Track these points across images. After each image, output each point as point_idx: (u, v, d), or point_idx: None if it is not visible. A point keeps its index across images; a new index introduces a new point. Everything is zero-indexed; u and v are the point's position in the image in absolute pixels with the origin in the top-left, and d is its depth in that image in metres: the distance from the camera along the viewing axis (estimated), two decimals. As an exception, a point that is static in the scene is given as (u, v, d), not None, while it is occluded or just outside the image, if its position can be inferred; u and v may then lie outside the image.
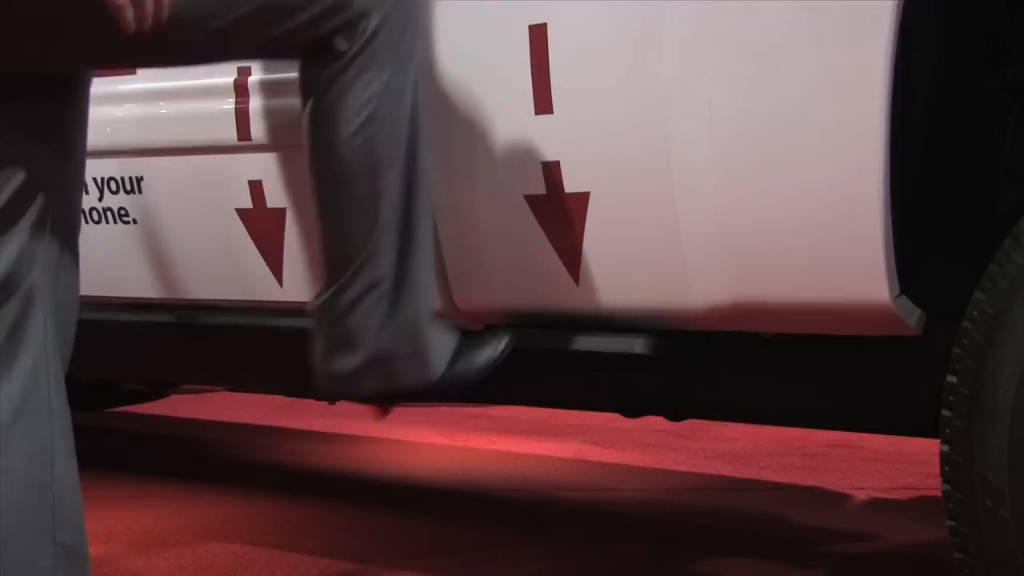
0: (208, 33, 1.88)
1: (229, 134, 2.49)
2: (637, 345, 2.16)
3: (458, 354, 2.17)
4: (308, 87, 2.04)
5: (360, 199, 2.05)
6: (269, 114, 2.45)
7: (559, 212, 2.14)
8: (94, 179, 2.70)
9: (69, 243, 1.91)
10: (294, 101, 2.41)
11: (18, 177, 1.83)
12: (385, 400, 2.22)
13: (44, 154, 1.86)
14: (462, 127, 2.22)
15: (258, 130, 2.45)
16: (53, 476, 1.84)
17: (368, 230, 2.06)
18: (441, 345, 2.15)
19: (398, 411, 2.30)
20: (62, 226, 1.89)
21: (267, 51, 2.10)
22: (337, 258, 2.09)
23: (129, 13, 1.69)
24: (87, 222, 2.74)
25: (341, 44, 1.97)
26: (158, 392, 4.73)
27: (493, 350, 2.19)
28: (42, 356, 1.85)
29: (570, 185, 2.12)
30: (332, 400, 3.11)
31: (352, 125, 2.01)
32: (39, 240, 1.85)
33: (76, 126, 1.95)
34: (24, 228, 1.84)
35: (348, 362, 2.11)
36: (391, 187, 2.05)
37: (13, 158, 1.83)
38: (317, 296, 2.13)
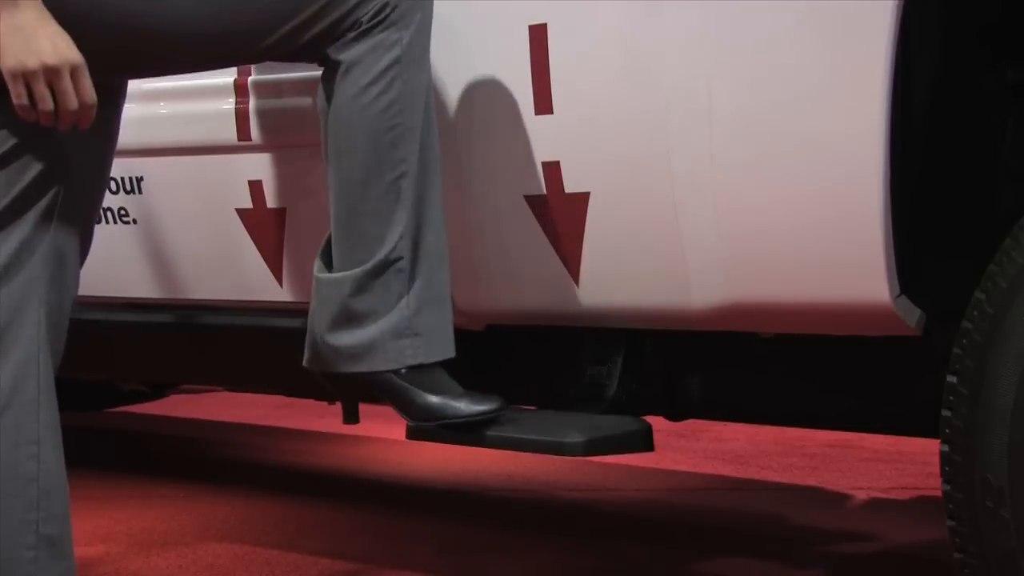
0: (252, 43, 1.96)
1: (229, 134, 2.49)
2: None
3: (451, 390, 2.12)
4: (327, 58, 2.01)
5: (381, 172, 2.02)
6: (269, 114, 2.45)
7: (559, 212, 2.14)
8: (94, 179, 2.70)
9: (76, 237, 1.92)
10: (294, 101, 2.42)
11: (36, 166, 1.85)
12: (376, 387, 2.12)
13: (72, 146, 1.88)
14: (462, 127, 2.21)
15: (258, 130, 2.45)
16: (39, 468, 1.85)
17: (391, 206, 2.02)
18: (449, 331, 2.10)
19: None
20: (72, 220, 1.90)
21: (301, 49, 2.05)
22: (357, 234, 2.04)
23: (40, 118, 1.75)
24: (87, 222, 2.74)
25: (360, 13, 1.96)
26: (158, 392, 4.74)
27: (483, 407, 2.12)
28: (34, 349, 1.86)
29: (570, 185, 2.12)
30: (332, 401, 3.11)
31: (374, 90, 2.00)
32: (44, 232, 1.86)
33: (111, 125, 1.97)
34: (31, 219, 1.85)
35: (357, 336, 2.06)
36: (410, 158, 2.03)
37: (37, 146, 1.85)
38: (329, 270, 2.08)
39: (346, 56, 1.98)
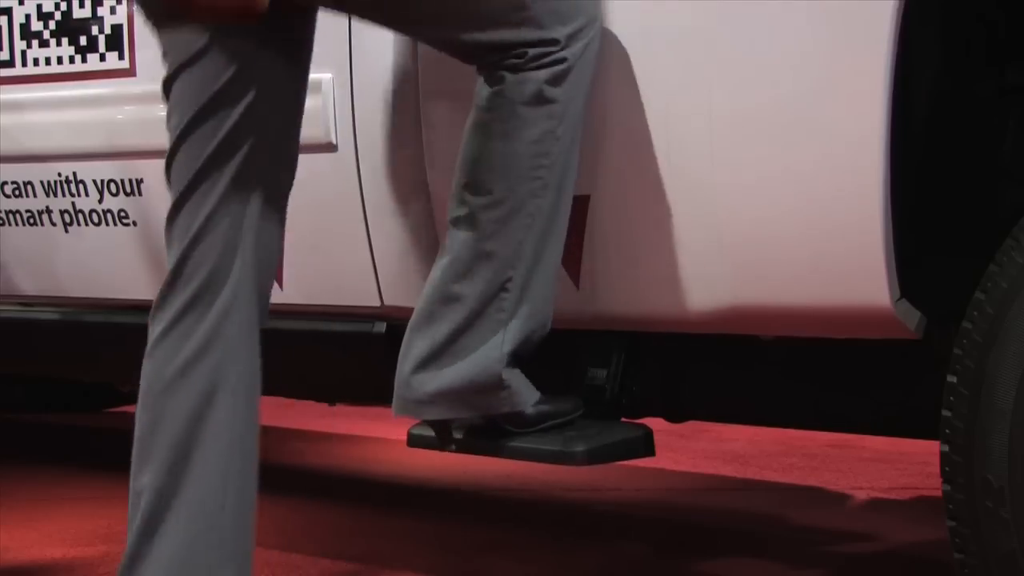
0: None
1: (229, 136, 2.48)
2: None
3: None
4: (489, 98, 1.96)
5: (517, 203, 1.96)
6: (269, 115, 2.44)
7: (559, 214, 2.14)
8: (94, 181, 2.70)
9: (272, 200, 1.89)
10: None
11: (230, 122, 1.83)
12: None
13: (278, 82, 1.87)
14: (461, 130, 2.21)
15: (258, 132, 2.45)
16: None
17: (519, 234, 1.97)
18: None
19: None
20: (265, 180, 1.88)
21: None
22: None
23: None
24: (86, 224, 2.74)
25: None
26: (158, 393, 4.73)
27: (568, 404, 2.12)
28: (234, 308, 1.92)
29: (570, 187, 2.12)
30: (332, 402, 3.12)
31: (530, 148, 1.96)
32: (238, 196, 1.86)
33: (303, 70, 1.93)
34: (226, 180, 1.84)
35: (444, 379, 2.00)
36: (542, 209, 1.98)
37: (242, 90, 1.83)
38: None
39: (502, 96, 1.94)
